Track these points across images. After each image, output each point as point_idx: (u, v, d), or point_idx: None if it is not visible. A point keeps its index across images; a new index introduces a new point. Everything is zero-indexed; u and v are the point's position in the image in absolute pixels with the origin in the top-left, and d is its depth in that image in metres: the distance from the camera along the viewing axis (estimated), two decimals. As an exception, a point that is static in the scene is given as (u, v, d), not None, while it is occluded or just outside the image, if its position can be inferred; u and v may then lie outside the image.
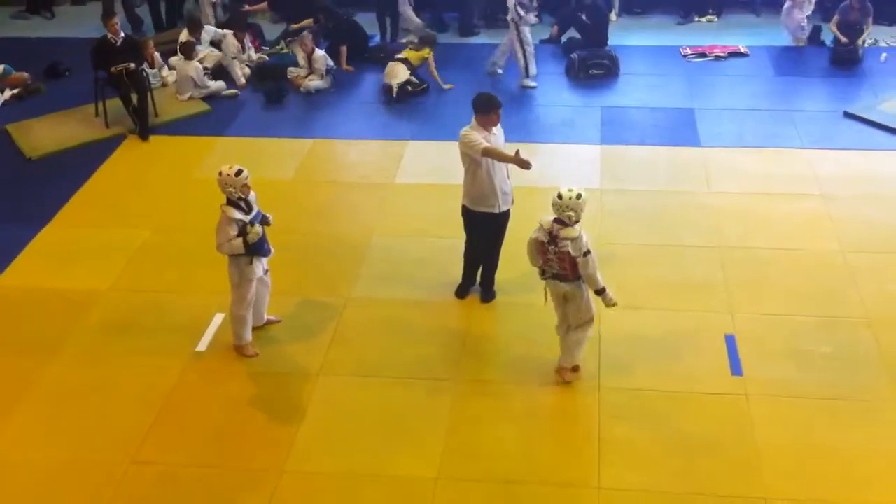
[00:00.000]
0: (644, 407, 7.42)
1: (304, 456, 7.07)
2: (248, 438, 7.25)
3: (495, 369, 7.88)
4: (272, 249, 7.87)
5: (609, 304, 7.28)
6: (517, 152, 7.70)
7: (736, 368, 7.74)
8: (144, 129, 11.96)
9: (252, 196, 7.65)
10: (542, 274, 7.37)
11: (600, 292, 7.22)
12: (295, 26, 14.48)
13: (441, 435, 7.19)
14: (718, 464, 6.85)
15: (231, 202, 7.49)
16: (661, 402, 7.45)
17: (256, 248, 7.59)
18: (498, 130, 8.05)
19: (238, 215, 7.47)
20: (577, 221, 7.03)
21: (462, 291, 8.67)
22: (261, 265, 7.81)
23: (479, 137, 7.82)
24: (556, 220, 7.06)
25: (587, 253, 7.03)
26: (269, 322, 8.35)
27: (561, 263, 7.16)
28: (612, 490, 6.68)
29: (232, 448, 7.16)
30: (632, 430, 7.20)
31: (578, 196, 6.95)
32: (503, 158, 7.87)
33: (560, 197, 6.94)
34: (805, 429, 7.15)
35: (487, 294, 8.65)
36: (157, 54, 13.40)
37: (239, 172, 7.42)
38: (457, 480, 6.82)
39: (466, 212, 8.27)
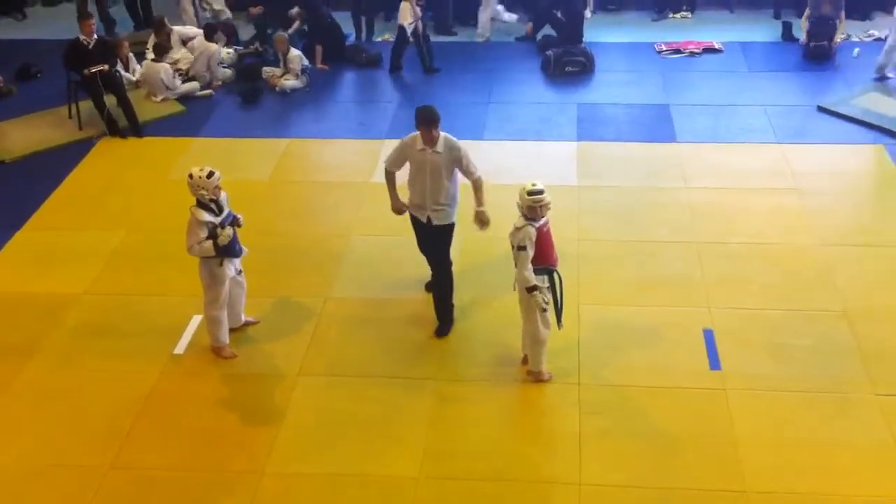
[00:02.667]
0: (623, 403, 7.45)
1: (285, 457, 7.04)
2: (227, 441, 7.22)
3: (475, 367, 7.87)
4: (244, 249, 7.83)
5: (537, 305, 7.20)
6: (395, 205, 8.09)
7: (714, 363, 7.78)
8: (136, 125, 11.97)
9: (223, 197, 7.61)
10: None
11: (530, 290, 7.16)
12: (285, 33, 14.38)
13: (422, 434, 7.19)
14: (697, 458, 6.89)
15: (201, 204, 7.45)
16: (640, 398, 7.47)
17: (227, 251, 7.55)
18: (444, 150, 7.70)
19: (207, 217, 7.42)
20: (525, 216, 7.06)
21: (431, 285, 8.64)
22: (233, 266, 7.78)
23: (395, 155, 7.94)
24: (531, 217, 7.11)
25: (521, 248, 7.04)
26: (247, 323, 8.31)
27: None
28: (593, 486, 6.69)
29: (212, 451, 7.12)
30: (611, 425, 7.22)
31: (531, 192, 6.99)
32: (389, 192, 8.08)
33: (532, 193, 7.01)
34: (783, 422, 7.20)
35: (442, 326, 8.23)
36: (131, 55, 13.29)
37: (210, 174, 7.39)
38: (438, 479, 6.81)
39: (410, 214, 8.16)
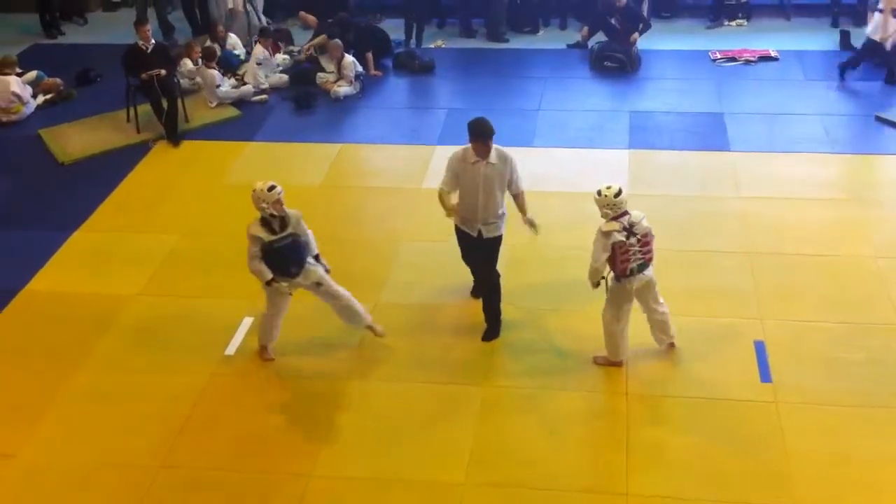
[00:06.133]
0: (672, 413, 7.39)
1: (333, 460, 7.09)
2: (277, 443, 7.29)
3: (523, 375, 7.86)
4: (306, 269, 7.66)
5: None
6: (448, 209, 7.83)
7: (765, 375, 7.68)
8: (174, 134, 12.05)
9: (294, 215, 7.53)
10: (621, 277, 7.39)
11: None
12: (307, 46, 14.42)
13: (469, 440, 7.19)
14: (747, 472, 6.80)
15: (262, 219, 7.44)
16: (689, 409, 7.41)
17: (279, 270, 7.53)
18: (498, 161, 7.67)
19: (261, 233, 7.44)
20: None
21: (475, 293, 8.64)
22: (300, 283, 7.70)
23: (448, 176, 7.78)
24: (620, 216, 7.22)
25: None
26: (372, 329, 8.15)
27: (645, 248, 7.32)
28: (640, 497, 6.65)
29: (260, 452, 7.20)
30: (660, 436, 7.17)
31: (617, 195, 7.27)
32: (443, 205, 7.87)
33: (617, 195, 7.18)
34: (836, 437, 7.08)
35: (490, 330, 8.27)
36: (200, 58, 13.44)
37: (272, 188, 7.36)
38: (484, 486, 6.82)
39: (455, 228, 8.14)
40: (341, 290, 7.91)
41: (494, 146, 7.70)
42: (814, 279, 8.86)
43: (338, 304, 7.96)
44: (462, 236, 8.11)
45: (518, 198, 7.96)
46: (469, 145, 7.71)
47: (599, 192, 7.25)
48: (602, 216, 7.29)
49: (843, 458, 6.89)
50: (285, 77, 13.65)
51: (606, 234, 7.21)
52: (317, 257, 7.81)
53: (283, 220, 7.49)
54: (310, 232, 7.75)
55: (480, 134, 7.59)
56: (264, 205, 7.38)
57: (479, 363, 8.00)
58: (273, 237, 7.45)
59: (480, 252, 8.08)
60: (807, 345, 8.01)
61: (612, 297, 7.54)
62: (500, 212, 7.90)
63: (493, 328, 8.27)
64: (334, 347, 8.23)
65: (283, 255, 7.50)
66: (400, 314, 8.60)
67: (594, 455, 7.07)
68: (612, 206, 7.20)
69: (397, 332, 8.35)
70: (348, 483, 6.90)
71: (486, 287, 8.28)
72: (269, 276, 7.50)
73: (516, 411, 7.48)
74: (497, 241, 8.03)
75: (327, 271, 7.84)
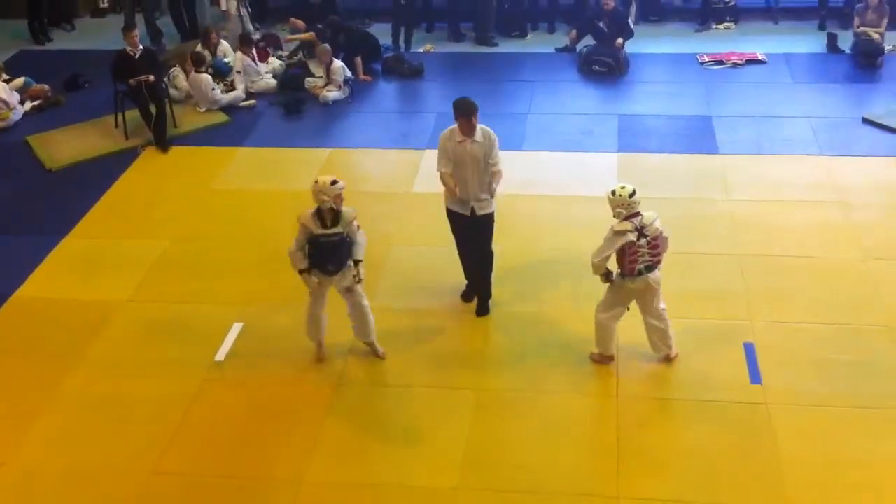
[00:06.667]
0: (663, 415, 7.41)
1: (324, 466, 7.08)
2: (267, 448, 7.27)
3: (514, 378, 7.86)
4: (340, 269, 7.61)
5: None
6: (450, 193, 8.02)
7: (755, 377, 7.71)
8: (163, 140, 12.03)
9: (349, 214, 7.49)
10: (627, 276, 7.42)
11: None
12: (290, 37, 14.53)
13: (461, 444, 7.19)
14: (738, 474, 6.82)
15: (318, 210, 7.44)
16: (679, 411, 7.43)
17: (317, 264, 7.55)
18: (483, 139, 7.89)
19: (311, 224, 7.42)
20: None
21: (467, 296, 8.69)
22: (332, 282, 7.70)
23: (441, 156, 7.96)
24: (632, 216, 7.24)
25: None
26: (374, 351, 8.15)
27: (655, 250, 7.36)
28: (631, 499, 6.66)
29: (252, 458, 7.18)
30: (651, 438, 7.19)
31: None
32: (447, 188, 8.04)
33: (631, 195, 7.21)
34: (827, 438, 7.11)
35: (482, 307, 8.57)
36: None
37: (334, 182, 7.36)
38: (476, 490, 6.82)
39: (448, 211, 8.30)
40: (365, 301, 7.92)
41: (479, 125, 7.87)
42: (803, 281, 8.90)
43: (356, 312, 7.94)
44: (456, 219, 8.24)
45: (494, 175, 8.06)
46: (455, 125, 7.87)
47: (614, 192, 7.28)
48: (615, 216, 7.32)
49: (834, 459, 6.91)
50: (273, 82, 13.63)
51: (619, 234, 7.24)
52: (357, 262, 7.68)
53: (336, 216, 7.47)
54: (363, 236, 7.68)
55: (464, 111, 7.78)
56: (325, 197, 7.36)
57: (471, 367, 8.01)
58: (322, 231, 7.46)
59: (475, 231, 8.21)
60: (796, 346, 8.04)
61: (612, 292, 7.59)
62: (490, 188, 8.07)
63: (484, 302, 8.49)
64: (325, 352, 8.21)
65: (326, 250, 7.50)
66: (391, 318, 8.58)
67: (585, 458, 7.07)
68: (625, 205, 7.24)
69: (389, 336, 8.33)
70: (340, 488, 6.89)
71: (481, 264, 8.42)
72: (303, 265, 7.53)
73: (509, 415, 7.49)
74: (490, 218, 8.20)
75: (357, 281, 7.71)
